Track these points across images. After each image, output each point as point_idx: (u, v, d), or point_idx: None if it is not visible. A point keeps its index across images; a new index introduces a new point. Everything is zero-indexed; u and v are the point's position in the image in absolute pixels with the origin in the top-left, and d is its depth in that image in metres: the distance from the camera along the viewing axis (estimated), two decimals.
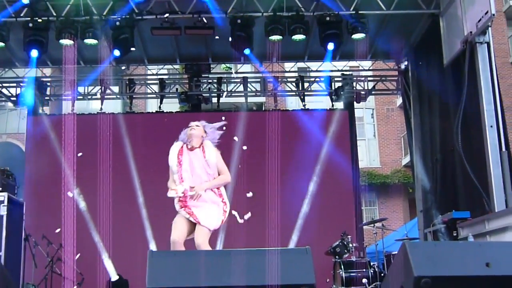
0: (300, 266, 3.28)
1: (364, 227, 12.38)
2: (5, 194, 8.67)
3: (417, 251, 3.42)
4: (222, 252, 3.28)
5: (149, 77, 14.61)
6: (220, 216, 6.16)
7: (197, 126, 6.34)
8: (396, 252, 9.55)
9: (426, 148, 11.89)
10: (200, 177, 6.11)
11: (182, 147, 6.31)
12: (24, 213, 9.60)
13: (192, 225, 6.03)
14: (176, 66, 14.59)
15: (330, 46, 10.68)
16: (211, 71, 13.61)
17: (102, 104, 13.60)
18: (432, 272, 3.38)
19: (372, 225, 10.28)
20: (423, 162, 12.12)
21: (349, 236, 10.15)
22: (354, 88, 13.57)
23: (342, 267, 9.45)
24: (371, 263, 9.60)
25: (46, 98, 13.76)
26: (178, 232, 5.97)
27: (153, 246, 11.82)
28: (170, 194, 6.07)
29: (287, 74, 14.86)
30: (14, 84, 13.78)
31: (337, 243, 10.04)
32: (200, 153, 6.19)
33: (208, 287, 3.10)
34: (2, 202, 8.61)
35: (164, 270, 3.15)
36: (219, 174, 6.26)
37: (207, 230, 5.93)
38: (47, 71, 14.99)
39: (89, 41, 10.63)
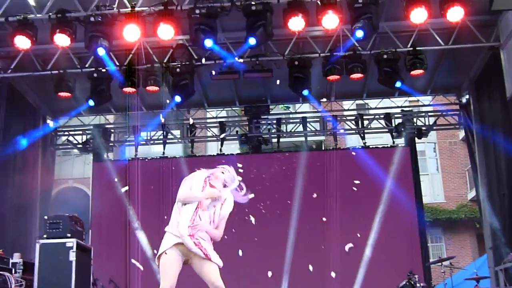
0: None
1: (432, 265, 12.09)
2: (74, 240, 8.87)
3: None
4: None
5: (209, 120, 14.87)
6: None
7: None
8: None
9: (493, 183, 11.60)
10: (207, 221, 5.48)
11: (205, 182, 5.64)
12: (92, 258, 9.81)
13: (181, 265, 5.44)
14: (235, 109, 14.79)
15: (398, 83, 10.62)
16: (270, 112, 13.73)
17: (164, 148, 13.88)
18: None
19: (440, 263, 10.02)
20: (490, 197, 11.81)
21: (416, 276, 9.91)
22: (415, 124, 13.43)
23: None
24: None
25: (110, 144, 14.11)
26: (172, 278, 5.31)
27: None
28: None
29: (346, 113, 14.85)
30: (80, 132, 14.24)
31: (404, 283, 9.82)
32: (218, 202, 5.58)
33: None
34: (71, 248, 8.81)
35: None
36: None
37: (218, 269, 5.43)
38: (110, 117, 15.44)
39: (151, 88, 10.94)
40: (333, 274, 12.22)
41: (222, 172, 5.63)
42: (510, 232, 10.62)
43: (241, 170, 6.23)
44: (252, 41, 9.60)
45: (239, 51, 10.67)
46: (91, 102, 11.08)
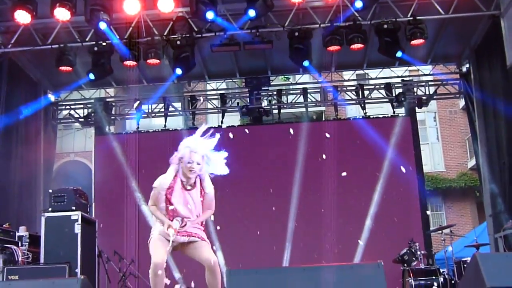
0: (373, 281, 3.34)
1: (432, 233, 12.23)
2: (79, 213, 9.00)
3: (489, 262, 3.42)
4: (300, 269, 3.36)
5: (209, 92, 14.90)
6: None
7: (198, 164, 5.25)
8: (466, 259, 9.46)
9: (492, 151, 11.66)
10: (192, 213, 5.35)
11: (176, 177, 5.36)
12: (96, 230, 9.94)
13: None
14: (236, 80, 14.80)
15: (399, 53, 10.63)
16: (271, 84, 13.75)
17: (165, 121, 13.93)
18: (504, 283, 3.38)
19: (440, 231, 10.15)
20: (490, 166, 11.89)
21: (416, 244, 10.06)
22: (415, 94, 13.45)
23: (411, 275, 9.34)
24: (441, 270, 9.47)
25: (112, 117, 14.14)
26: (162, 253, 5.16)
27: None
28: (170, 233, 5.19)
29: (346, 83, 14.86)
30: (81, 106, 14.27)
31: (405, 250, 9.97)
32: (197, 187, 5.37)
33: None
34: (76, 221, 8.94)
35: (243, 287, 3.27)
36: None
37: (209, 245, 5.41)
38: (111, 91, 15.44)
39: (151, 61, 10.93)
40: (334, 242, 12.38)
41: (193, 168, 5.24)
42: (509, 199, 10.73)
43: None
44: (251, 12, 9.60)
45: (239, 23, 10.67)
46: (92, 76, 11.08)
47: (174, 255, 5.53)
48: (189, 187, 5.31)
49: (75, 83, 12.52)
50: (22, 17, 9.62)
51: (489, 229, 12.05)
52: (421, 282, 9.29)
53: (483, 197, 12.66)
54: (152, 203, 5.38)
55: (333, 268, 3.39)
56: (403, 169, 12.70)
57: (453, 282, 9.21)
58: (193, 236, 5.31)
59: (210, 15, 9.63)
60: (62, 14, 9.57)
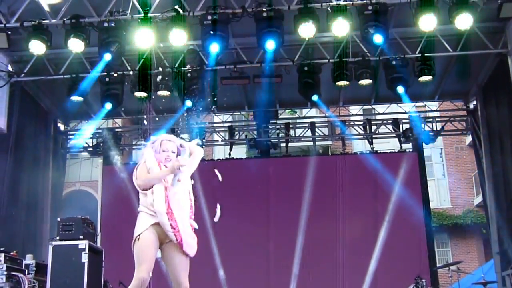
0: None
1: (439, 270, 12.16)
2: (86, 242, 9.00)
3: None
4: None
5: (217, 124, 15.00)
6: (195, 243, 5.07)
7: (172, 153, 5.17)
8: None
9: (500, 188, 11.67)
10: (183, 207, 5.02)
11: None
12: (103, 260, 9.93)
13: (158, 246, 4.96)
14: (244, 113, 14.90)
15: (400, 89, 10.73)
16: (279, 117, 13.84)
17: None
18: None
19: (447, 268, 10.09)
20: (497, 203, 11.88)
21: (423, 280, 9.99)
22: (423, 129, 13.51)
23: None
24: None
25: (120, 147, 14.22)
26: (149, 264, 4.81)
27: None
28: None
29: (353, 118, 14.96)
30: (90, 135, 14.37)
31: (412, 287, 9.90)
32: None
33: None
34: (84, 250, 8.94)
35: None
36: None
37: (188, 261, 4.96)
38: (119, 121, 15.56)
39: (162, 92, 11.07)
40: (339, 282, 12.34)
41: (166, 148, 5.14)
42: None
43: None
44: (270, 44, 9.64)
45: (249, 56, 10.82)
46: (108, 106, 11.17)
47: None
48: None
49: (92, 115, 12.64)
50: (37, 47, 9.76)
51: (497, 267, 11.97)
52: None
53: (489, 234, 12.61)
54: (144, 175, 5.02)
55: None
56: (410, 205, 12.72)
57: None
58: (180, 242, 4.84)
59: (214, 48, 9.72)
60: (76, 45, 9.70)
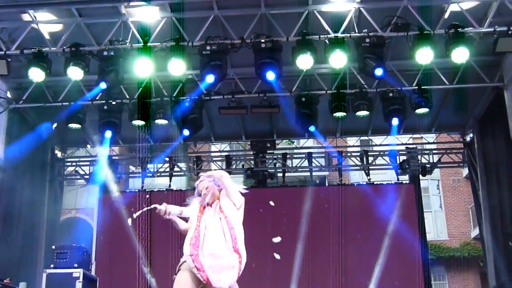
0: None
1: None
2: (81, 270, 8.98)
3: None
4: None
5: (214, 154, 15.02)
6: (237, 267, 5.22)
7: (206, 189, 5.49)
8: None
9: (496, 221, 11.67)
10: (218, 234, 5.25)
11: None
12: None
13: (198, 283, 5.15)
14: (241, 143, 14.94)
15: (395, 121, 10.81)
16: (276, 147, 13.86)
17: (170, 181, 14.00)
18: None
19: None
20: (493, 235, 11.86)
21: None
22: (419, 161, 13.54)
23: None
24: None
25: (117, 176, 14.20)
26: None
27: None
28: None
29: (350, 149, 14.99)
30: (87, 163, 14.37)
31: None
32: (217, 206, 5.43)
33: None
34: (78, 278, 8.91)
35: None
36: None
37: None
38: (116, 149, 15.55)
39: (160, 121, 11.13)
40: None
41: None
42: None
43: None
44: (270, 75, 9.71)
45: (248, 87, 10.91)
46: (108, 134, 11.21)
47: None
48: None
49: (88, 143, 12.66)
50: (36, 75, 9.80)
51: None
52: None
53: (486, 267, 12.56)
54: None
55: None
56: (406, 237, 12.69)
57: None
58: (208, 280, 5.02)
59: (210, 78, 9.78)
60: (75, 73, 9.75)
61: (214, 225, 5.27)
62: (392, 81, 10.64)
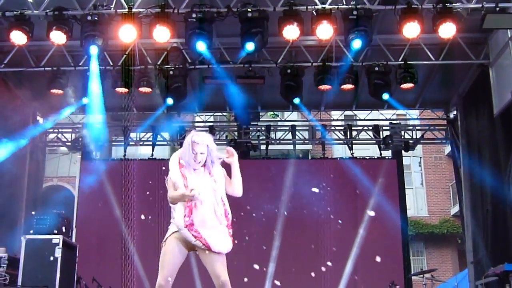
0: None
1: (413, 277, 12.22)
2: (60, 237, 8.93)
3: None
4: None
5: (198, 124, 14.94)
6: (229, 237, 5.21)
7: (201, 154, 5.24)
8: None
9: (476, 198, 11.75)
10: (209, 203, 5.17)
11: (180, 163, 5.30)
12: (77, 255, 9.84)
13: (187, 250, 5.21)
14: (225, 114, 14.86)
15: (385, 96, 10.77)
16: (260, 119, 13.81)
17: (153, 150, 13.93)
18: None
19: (421, 275, 10.14)
20: (473, 213, 11.96)
21: (397, 286, 10.05)
22: (403, 137, 13.57)
23: None
24: None
25: (99, 143, 14.09)
26: (170, 271, 5.08)
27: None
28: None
29: (334, 123, 14.98)
30: (70, 130, 14.23)
31: None
32: (205, 172, 5.29)
33: None
34: (57, 244, 8.86)
35: None
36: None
37: (223, 257, 5.14)
38: (100, 116, 15.36)
39: (143, 89, 11.01)
40: (316, 281, 12.33)
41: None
42: (492, 247, 10.77)
43: None
44: (250, 46, 9.63)
45: (233, 57, 10.79)
46: (86, 100, 11.08)
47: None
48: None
49: (68, 107, 12.49)
50: (18, 38, 9.61)
51: (470, 276, 12.06)
52: None
53: (465, 244, 12.68)
54: (170, 192, 5.21)
55: None
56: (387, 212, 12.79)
57: None
58: (207, 245, 5.03)
59: (202, 47, 9.68)
60: (58, 37, 9.57)
61: (206, 194, 5.14)
62: (378, 55, 10.61)
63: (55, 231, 8.99)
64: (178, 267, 5.17)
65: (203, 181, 5.19)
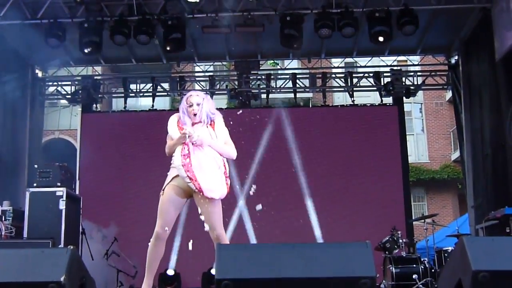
0: (360, 259, 3.38)
1: (414, 222, 12.34)
2: (64, 189, 8.97)
3: (475, 245, 3.47)
4: (286, 245, 3.40)
5: (198, 74, 14.87)
6: (224, 184, 5.29)
7: (197, 105, 5.37)
8: (447, 248, 9.58)
9: (477, 143, 11.77)
10: (208, 150, 5.25)
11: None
12: (81, 207, 9.93)
13: (185, 197, 5.34)
14: (224, 63, 14.75)
15: (381, 39, 10.68)
16: (260, 68, 13.73)
17: (153, 101, 13.89)
18: (490, 267, 3.43)
19: (422, 220, 10.24)
20: (473, 157, 11.99)
21: (399, 232, 10.13)
22: (404, 83, 13.51)
23: (392, 262, 9.44)
24: (422, 259, 9.56)
25: (99, 95, 14.06)
26: (168, 220, 5.22)
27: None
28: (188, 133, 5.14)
29: (334, 70, 14.88)
30: (69, 83, 14.17)
31: (387, 238, 10.04)
32: (204, 126, 5.39)
33: (271, 279, 3.23)
34: (61, 197, 8.92)
35: (232, 262, 3.30)
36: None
37: (219, 207, 5.23)
38: (98, 69, 15.34)
39: (142, 40, 10.89)
40: (316, 230, 12.47)
41: (190, 106, 5.36)
42: (491, 191, 10.85)
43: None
44: None
45: (231, 4, 10.65)
46: (87, 50, 10.97)
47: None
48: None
49: (65, 58, 12.42)
50: None
51: (471, 220, 12.17)
52: (402, 269, 9.37)
53: (465, 189, 12.77)
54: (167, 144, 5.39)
55: (322, 245, 3.46)
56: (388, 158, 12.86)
57: (433, 270, 9.31)
58: (200, 189, 5.08)
59: None
60: None
61: (202, 150, 5.25)
62: (378, 1, 10.48)
63: (58, 184, 9.03)
64: (175, 216, 5.32)
65: (201, 131, 5.29)
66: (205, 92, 5.56)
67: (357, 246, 3.42)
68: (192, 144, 5.17)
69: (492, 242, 3.58)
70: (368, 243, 3.52)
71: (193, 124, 5.37)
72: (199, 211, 5.27)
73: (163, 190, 5.30)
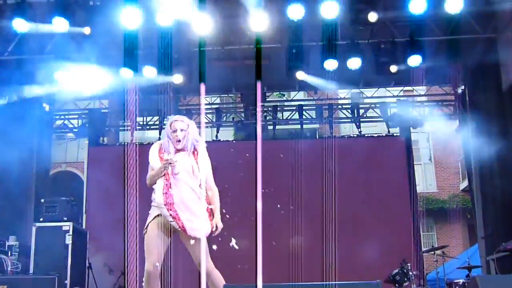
0: None
1: (424, 254, 12.20)
2: (70, 223, 8.95)
3: (488, 285, 3.41)
4: (296, 286, 3.33)
5: (204, 106, 14.89)
6: (208, 220, 5.18)
7: (181, 131, 5.29)
8: (457, 280, 9.44)
9: (485, 173, 11.69)
10: (188, 181, 5.16)
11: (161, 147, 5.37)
12: (87, 241, 9.87)
13: (169, 235, 5.17)
14: (231, 95, 14.79)
15: (388, 70, 10.69)
16: (266, 100, 13.75)
17: (160, 133, 13.89)
18: None
19: (432, 252, 10.12)
20: (482, 187, 11.90)
21: (408, 264, 9.99)
22: (410, 114, 13.47)
23: None
24: None
25: (106, 128, 14.07)
26: (156, 256, 5.06)
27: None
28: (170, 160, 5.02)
29: (341, 101, 14.88)
30: (76, 116, 14.21)
31: (397, 271, 9.90)
32: (187, 154, 5.24)
33: None
34: (68, 231, 8.89)
35: None
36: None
37: (204, 242, 5.07)
38: (105, 102, 15.39)
39: (148, 72, 10.92)
40: (328, 256, 12.34)
41: (173, 132, 5.26)
42: (501, 222, 10.73)
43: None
44: None
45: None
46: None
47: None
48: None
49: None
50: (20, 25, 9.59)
51: (481, 251, 12.04)
52: None
53: (474, 219, 12.65)
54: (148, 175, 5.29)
55: (333, 286, 3.42)
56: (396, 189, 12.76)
57: None
58: (183, 227, 5.01)
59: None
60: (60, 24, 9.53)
61: (184, 172, 5.14)
62: (384, 32, 10.51)
63: (65, 218, 8.99)
64: (164, 251, 5.14)
65: (183, 160, 5.17)
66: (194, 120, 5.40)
67: (367, 286, 3.37)
68: (173, 175, 5.07)
69: (504, 281, 3.52)
70: (379, 283, 3.46)
71: (176, 151, 5.25)
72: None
73: (146, 228, 5.17)
